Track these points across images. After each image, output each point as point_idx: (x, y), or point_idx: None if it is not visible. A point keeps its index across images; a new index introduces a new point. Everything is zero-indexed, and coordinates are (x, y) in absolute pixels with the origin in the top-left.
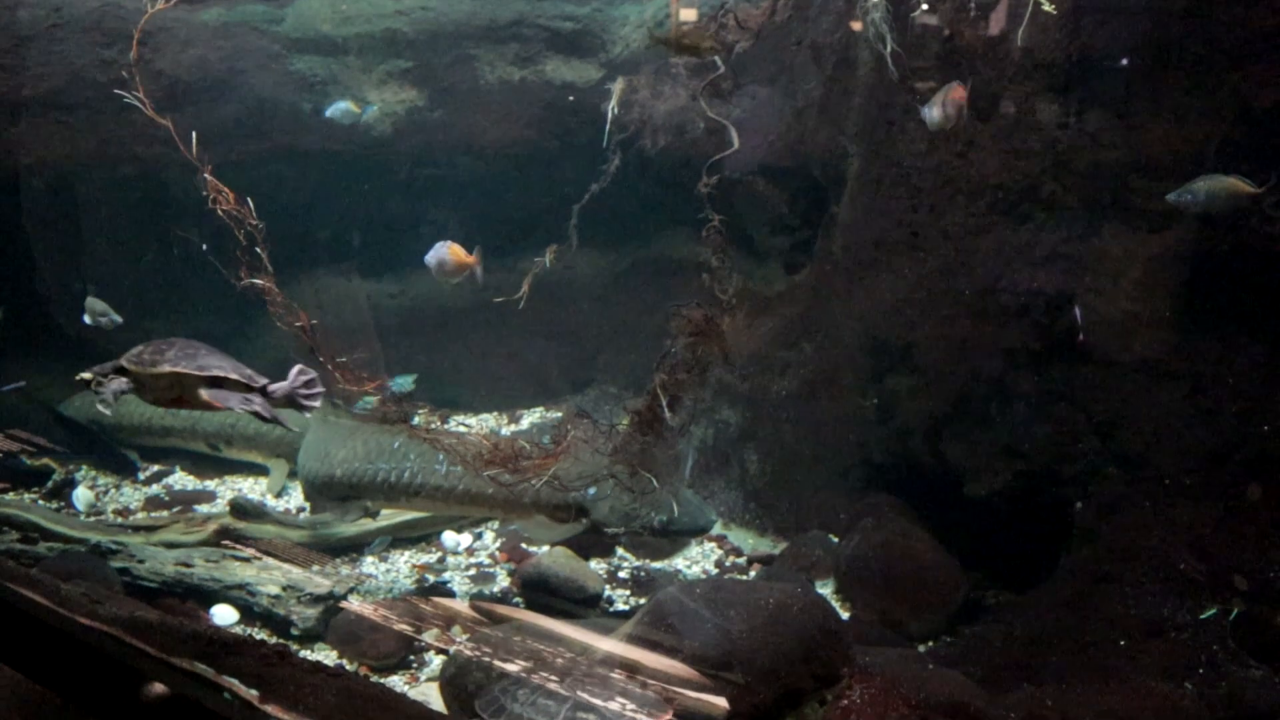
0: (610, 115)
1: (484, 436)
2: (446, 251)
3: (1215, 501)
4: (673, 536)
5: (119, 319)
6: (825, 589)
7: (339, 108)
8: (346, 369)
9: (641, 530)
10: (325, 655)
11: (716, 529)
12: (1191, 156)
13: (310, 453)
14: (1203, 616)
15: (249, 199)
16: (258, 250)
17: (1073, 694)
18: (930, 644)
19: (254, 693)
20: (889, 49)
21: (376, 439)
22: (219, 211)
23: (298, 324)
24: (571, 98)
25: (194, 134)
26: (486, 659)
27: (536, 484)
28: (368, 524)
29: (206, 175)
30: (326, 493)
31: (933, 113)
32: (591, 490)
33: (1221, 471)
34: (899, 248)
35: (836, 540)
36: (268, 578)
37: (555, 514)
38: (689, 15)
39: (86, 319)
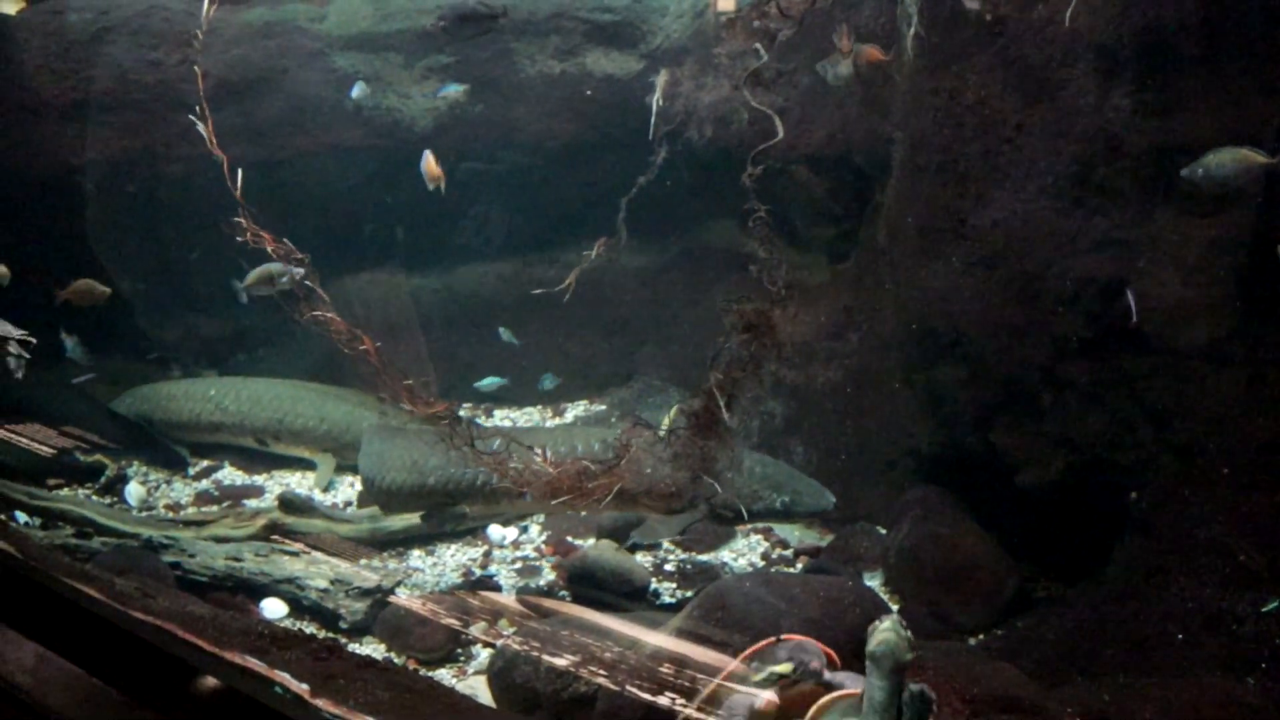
0: (655, 108)
1: (545, 460)
2: (423, 163)
3: (1276, 491)
4: (795, 518)
5: (299, 270)
6: (873, 581)
7: (360, 87)
8: (411, 391)
9: (765, 513)
10: (373, 648)
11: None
12: (1248, 139)
13: (390, 463)
14: (1264, 610)
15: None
16: (310, 285)
17: (1129, 688)
18: (980, 637)
19: (305, 687)
20: (912, 30)
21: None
22: (267, 249)
23: (362, 348)
24: (614, 91)
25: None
26: (534, 652)
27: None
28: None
29: (243, 221)
30: (415, 503)
31: (838, 70)
32: None
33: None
34: (946, 235)
35: (884, 532)
36: (316, 572)
37: (671, 502)
38: (727, 5)
39: (262, 291)
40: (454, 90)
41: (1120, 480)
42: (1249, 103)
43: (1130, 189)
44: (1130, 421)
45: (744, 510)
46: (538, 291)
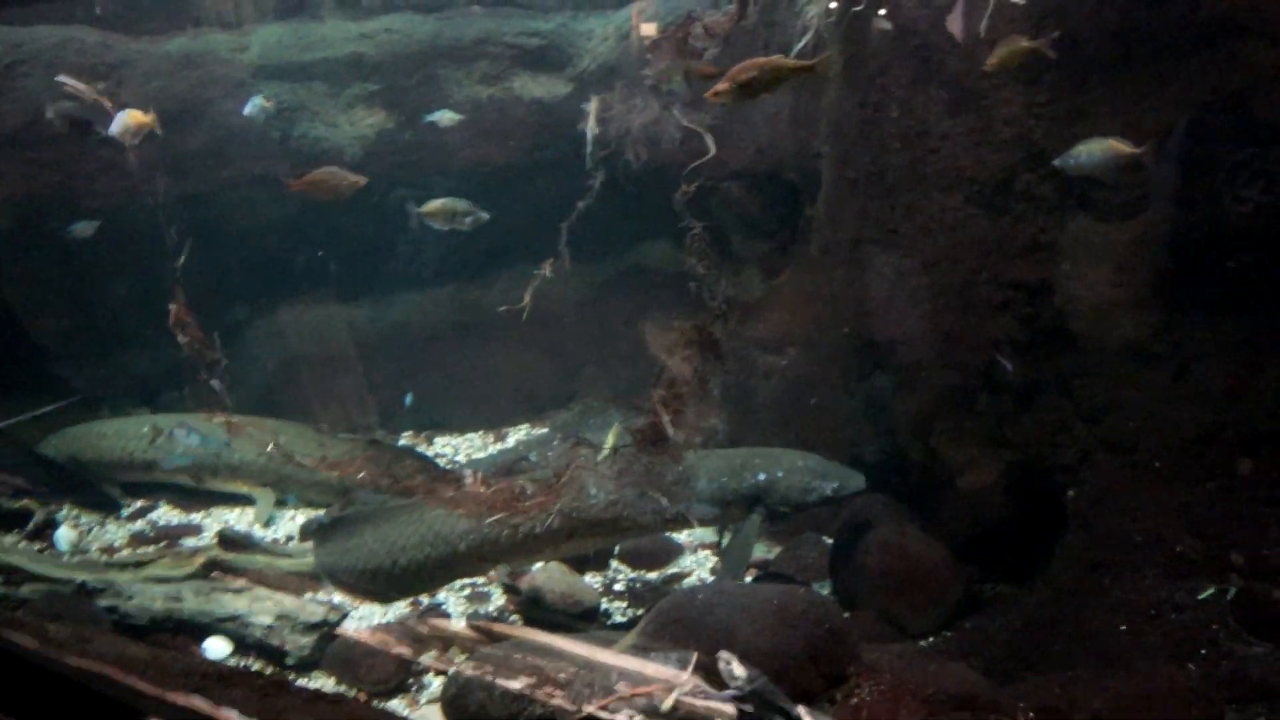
0: (590, 135)
1: (479, 481)
2: (127, 117)
3: (1207, 481)
4: (840, 502)
5: (485, 215)
6: (822, 590)
7: (254, 103)
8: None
9: (818, 501)
10: (322, 683)
11: (710, 536)
12: (1157, 143)
13: (400, 541)
14: (1201, 597)
15: None
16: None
17: (1078, 680)
18: (930, 639)
19: None
20: (801, 44)
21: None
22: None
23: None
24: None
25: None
26: (488, 677)
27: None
28: None
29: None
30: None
31: (672, 84)
32: (761, 475)
33: (1211, 451)
34: (877, 246)
35: (830, 541)
36: (260, 608)
37: (730, 514)
38: (649, 30)
39: (437, 224)
40: (446, 115)
41: (1058, 479)
42: (1158, 110)
43: (1052, 194)
44: (1065, 421)
45: (801, 502)
46: (502, 309)
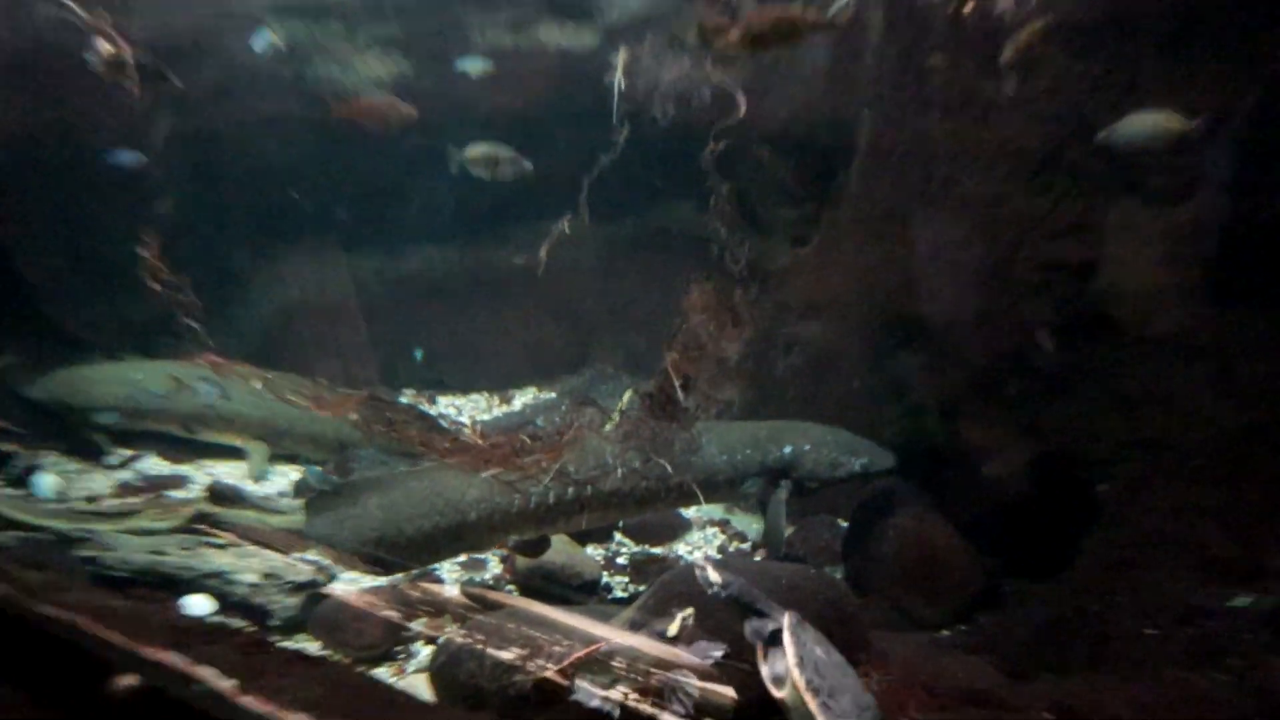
0: (617, 88)
1: (479, 435)
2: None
3: (1246, 483)
4: (870, 479)
5: (529, 165)
6: (834, 574)
7: (262, 37)
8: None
9: (846, 477)
10: (307, 646)
11: (719, 513)
12: (1209, 120)
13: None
14: (1231, 605)
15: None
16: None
17: (1099, 683)
18: (945, 632)
19: (231, 683)
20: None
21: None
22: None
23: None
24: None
25: None
26: (480, 647)
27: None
28: None
29: None
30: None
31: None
32: (787, 448)
33: (1252, 451)
34: (912, 218)
35: (845, 524)
36: (246, 565)
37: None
38: None
39: (480, 171)
40: (478, 64)
41: (1089, 472)
42: (1217, 89)
43: (1101, 172)
44: (1100, 411)
45: (829, 478)
46: (518, 260)
